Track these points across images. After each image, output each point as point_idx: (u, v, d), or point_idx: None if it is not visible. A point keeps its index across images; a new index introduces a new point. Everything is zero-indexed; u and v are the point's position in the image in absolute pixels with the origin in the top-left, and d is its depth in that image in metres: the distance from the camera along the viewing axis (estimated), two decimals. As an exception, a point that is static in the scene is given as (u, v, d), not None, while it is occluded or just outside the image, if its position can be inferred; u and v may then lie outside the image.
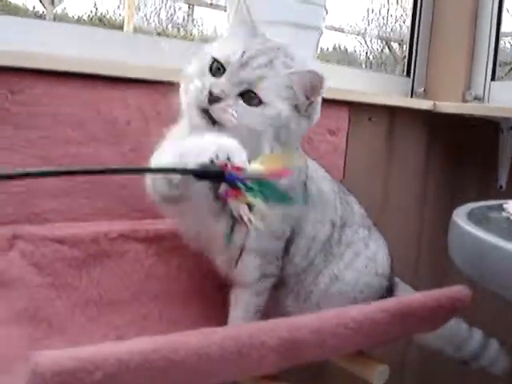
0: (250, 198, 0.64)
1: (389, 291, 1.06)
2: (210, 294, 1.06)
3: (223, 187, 0.65)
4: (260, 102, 0.83)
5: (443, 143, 1.74)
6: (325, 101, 0.90)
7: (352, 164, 1.51)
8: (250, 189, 0.63)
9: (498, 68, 1.77)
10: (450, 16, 1.78)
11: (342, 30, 2.00)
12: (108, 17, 1.59)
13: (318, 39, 1.28)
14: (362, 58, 2.18)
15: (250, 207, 0.65)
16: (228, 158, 0.67)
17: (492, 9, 1.74)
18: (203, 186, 0.72)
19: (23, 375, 0.58)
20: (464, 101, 1.74)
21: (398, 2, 2.06)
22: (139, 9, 1.59)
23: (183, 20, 1.76)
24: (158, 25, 1.67)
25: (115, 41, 1.27)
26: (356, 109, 1.49)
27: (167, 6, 1.72)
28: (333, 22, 1.89)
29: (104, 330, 0.93)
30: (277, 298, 0.99)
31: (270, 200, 0.64)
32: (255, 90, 0.83)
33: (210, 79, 0.84)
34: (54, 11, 1.54)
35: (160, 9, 1.68)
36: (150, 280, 1.03)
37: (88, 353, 0.60)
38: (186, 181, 0.77)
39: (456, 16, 1.77)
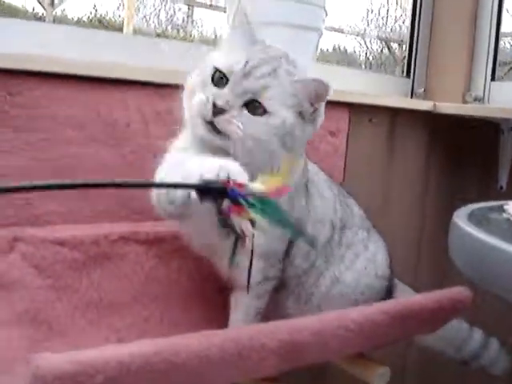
0: (253, 214, 0.64)
1: (388, 292, 1.06)
2: (211, 297, 1.05)
3: (226, 203, 0.66)
4: (265, 112, 0.83)
5: (443, 144, 1.74)
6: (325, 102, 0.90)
7: (352, 165, 1.51)
8: (252, 205, 0.63)
9: (497, 68, 1.77)
10: (449, 16, 1.78)
11: (341, 31, 2.00)
12: (108, 18, 1.58)
13: (318, 40, 1.28)
14: (362, 58, 2.18)
15: (253, 223, 0.66)
16: (229, 177, 0.68)
17: (492, 9, 1.74)
18: (205, 207, 0.73)
19: (23, 377, 0.58)
20: (464, 102, 1.74)
21: (397, 3, 2.05)
22: (139, 10, 1.59)
23: (183, 21, 1.76)
24: (157, 26, 1.67)
25: (115, 42, 1.27)
26: (356, 110, 1.49)
27: (167, 7, 1.71)
28: (332, 23, 1.89)
29: (105, 332, 0.93)
30: (277, 300, 0.99)
31: (271, 218, 0.65)
32: (260, 100, 0.82)
33: (212, 90, 0.84)
34: (54, 13, 1.54)
35: (159, 10, 1.68)
36: (151, 282, 1.03)
37: (89, 356, 0.60)
38: (187, 204, 0.77)
39: (456, 16, 1.77)
